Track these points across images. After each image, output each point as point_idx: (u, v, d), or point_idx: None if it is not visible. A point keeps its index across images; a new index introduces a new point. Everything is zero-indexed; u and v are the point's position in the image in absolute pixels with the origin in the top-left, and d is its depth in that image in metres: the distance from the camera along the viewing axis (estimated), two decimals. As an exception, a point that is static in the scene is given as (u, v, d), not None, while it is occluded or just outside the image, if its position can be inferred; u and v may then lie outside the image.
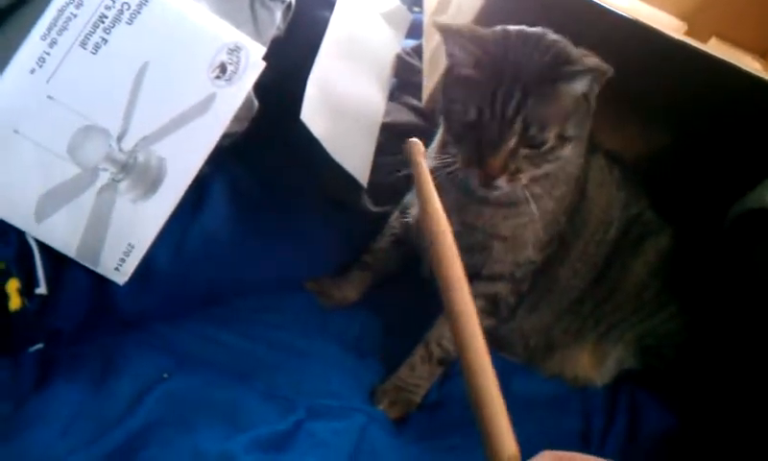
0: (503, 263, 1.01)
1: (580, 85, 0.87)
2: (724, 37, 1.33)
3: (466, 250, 0.93)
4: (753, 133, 1.04)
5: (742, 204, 1.05)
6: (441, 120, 0.97)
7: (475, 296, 0.85)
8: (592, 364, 1.09)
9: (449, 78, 0.93)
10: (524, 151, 0.87)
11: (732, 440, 1.02)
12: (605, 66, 0.86)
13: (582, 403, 1.07)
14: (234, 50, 0.92)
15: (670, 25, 1.31)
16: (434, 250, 0.71)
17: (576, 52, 0.88)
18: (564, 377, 1.10)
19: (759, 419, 1.01)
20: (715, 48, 1.25)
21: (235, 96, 0.93)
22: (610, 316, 1.08)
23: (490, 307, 1.02)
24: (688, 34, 1.31)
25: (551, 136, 0.87)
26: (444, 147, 0.96)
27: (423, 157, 0.82)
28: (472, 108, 0.87)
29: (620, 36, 0.99)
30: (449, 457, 0.93)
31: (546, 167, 0.90)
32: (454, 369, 1.03)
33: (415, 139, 0.83)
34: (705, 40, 1.30)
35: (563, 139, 0.88)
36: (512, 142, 0.86)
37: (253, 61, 0.93)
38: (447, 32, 0.90)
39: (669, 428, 1.06)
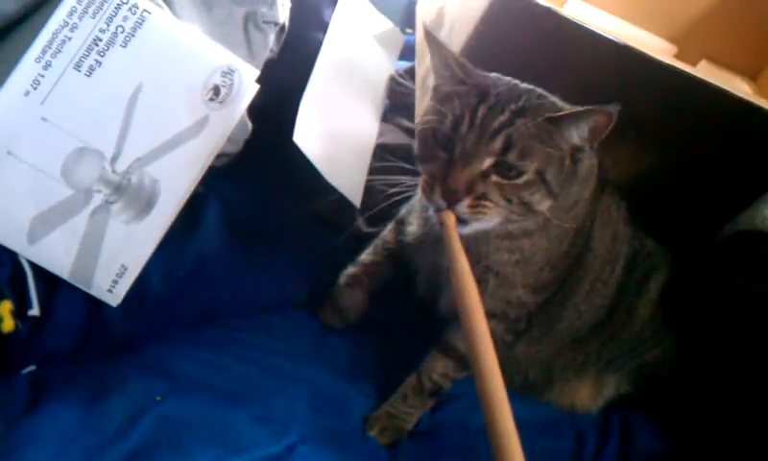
0: (494, 299, 0.96)
1: (573, 135, 0.81)
2: (713, 60, 1.35)
3: None
4: (742, 155, 1.05)
5: (732, 226, 1.05)
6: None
7: None
8: (591, 395, 1.10)
9: (434, 96, 0.88)
10: (496, 178, 0.80)
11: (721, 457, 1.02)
12: (602, 111, 0.79)
13: (574, 426, 1.07)
14: (228, 73, 0.92)
15: (660, 48, 1.32)
16: (460, 304, 0.71)
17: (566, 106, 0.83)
18: (561, 407, 1.10)
19: (747, 439, 1.01)
20: (705, 71, 1.27)
21: (228, 118, 0.94)
22: (613, 352, 1.08)
23: None
24: (678, 57, 1.33)
25: (531, 169, 0.80)
26: None
27: (455, 225, 0.80)
28: (450, 117, 0.81)
29: (610, 59, 1.00)
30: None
31: (515, 207, 0.82)
32: (445, 397, 1.03)
33: (449, 212, 0.80)
34: (694, 63, 1.32)
35: (541, 181, 0.81)
36: (486, 160, 0.79)
37: (247, 84, 0.94)
38: (433, 43, 0.86)
39: (661, 450, 1.06)
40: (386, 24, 1.32)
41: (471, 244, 0.89)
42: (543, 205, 0.83)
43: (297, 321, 1.07)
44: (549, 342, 1.06)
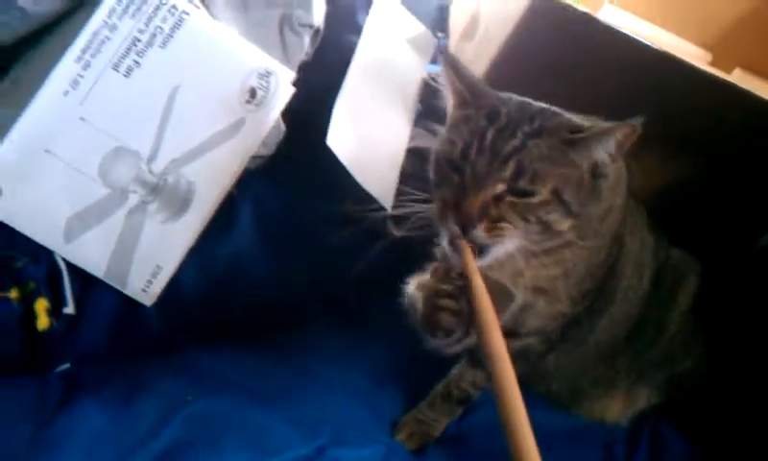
0: (540, 318, 0.94)
1: (597, 151, 0.79)
2: (748, 68, 1.33)
3: (514, 312, 0.93)
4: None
5: (765, 238, 1.04)
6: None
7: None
8: (621, 410, 1.09)
9: (447, 122, 0.86)
10: (510, 198, 0.76)
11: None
12: (628, 125, 0.76)
13: (602, 436, 1.07)
14: (264, 75, 0.92)
15: (694, 55, 1.31)
16: (478, 323, 0.70)
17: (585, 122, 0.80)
18: (590, 419, 1.09)
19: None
20: (739, 78, 1.25)
21: (264, 120, 0.94)
22: (643, 366, 1.07)
23: (517, 356, 0.99)
24: (712, 64, 1.31)
25: (544, 190, 0.77)
26: None
27: (472, 257, 0.77)
28: (459, 141, 0.79)
29: (645, 65, 0.99)
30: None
31: (532, 232, 0.79)
32: (473, 404, 1.03)
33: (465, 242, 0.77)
34: (729, 70, 1.30)
35: (558, 200, 0.78)
36: (498, 186, 0.76)
37: (283, 86, 0.94)
38: (446, 66, 0.84)
39: (688, 457, 1.05)
40: (418, 27, 1.31)
41: (521, 276, 0.88)
42: (563, 224, 0.80)
43: (330, 325, 1.08)
44: (579, 354, 1.04)
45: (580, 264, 0.92)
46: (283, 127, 1.04)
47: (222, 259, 0.98)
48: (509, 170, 0.76)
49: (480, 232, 0.76)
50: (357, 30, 1.15)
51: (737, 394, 1.07)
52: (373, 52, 1.15)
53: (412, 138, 1.20)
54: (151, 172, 0.88)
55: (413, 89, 1.23)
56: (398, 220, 1.13)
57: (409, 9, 1.33)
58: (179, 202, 0.90)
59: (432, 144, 1.21)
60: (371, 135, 1.10)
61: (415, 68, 1.25)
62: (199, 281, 0.95)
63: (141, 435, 0.83)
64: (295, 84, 0.96)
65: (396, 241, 1.12)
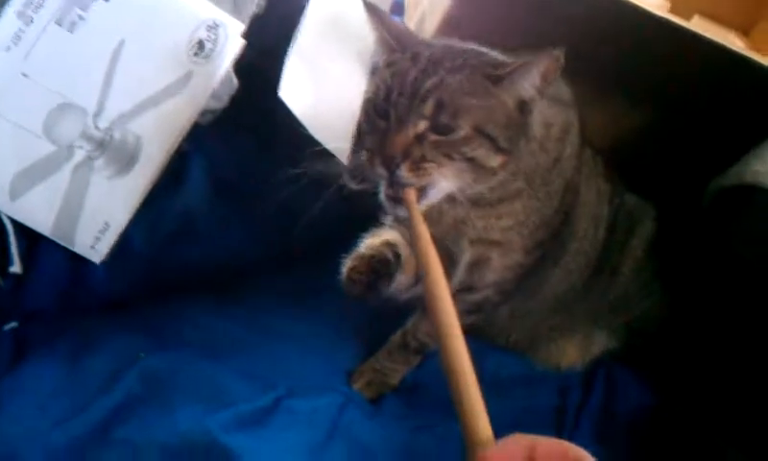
0: (495, 271, 0.96)
1: (522, 86, 0.80)
2: (706, 15, 1.33)
3: (468, 268, 0.94)
4: (734, 110, 1.04)
5: (721, 180, 1.05)
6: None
7: (461, 303, 0.85)
8: (578, 354, 1.11)
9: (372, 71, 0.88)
10: (433, 137, 0.78)
11: (709, 412, 1.03)
12: (549, 56, 0.77)
13: (558, 380, 1.08)
14: (213, 27, 0.91)
15: (653, 3, 1.30)
16: (426, 276, 0.69)
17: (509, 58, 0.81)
18: (546, 366, 1.10)
19: (739, 392, 1.02)
20: (698, 26, 1.24)
21: (213, 74, 0.92)
22: (600, 311, 1.09)
23: (473, 308, 1.00)
24: (671, 11, 1.31)
25: (465, 126, 0.78)
26: None
27: (415, 200, 0.78)
28: (383, 85, 0.81)
29: (603, 14, 0.98)
30: (425, 435, 0.95)
31: (461, 164, 0.80)
32: (431, 353, 1.04)
33: (408, 189, 0.79)
34: (688, 18, 1.29)
35: (481, 135, 0.79)
36: (420, 123, 0.78)
37: (232, 39, 0.92)
38: (372, 15, 0.88)
39: (645, 403, 1.07)
40: (376, -22, 1.29)
41: (466, 226, 0.90)
42: (492, 160, 0.81)
43: (283, 280, 1.08)
44: (536, 303, 1.06)
45: (533, 214, 0.93)
46: (235, 81, 1.02)
47: (173, 216, 0.97)
48: (429, 107, 0.77)
49: (405, 172, 0.78)
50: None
51: (696, 340, 1.08)
52: (328, 3, 1.13)
53: (367, 91, 1.19)
54: (97, 127, 0.87)
55: (369, 42, 1.21)
56: (354, 173, 1.13)
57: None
58: (126, 157, 0.88)
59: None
60: (325, 88, 1.08)
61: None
62: (149, 238, 0.94)
63: (93, 391, 0.83)
64: (246, 36, 0.94)
65: (351, 194, 1.13)
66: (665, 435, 1.02)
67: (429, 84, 0.77)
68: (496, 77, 0.78)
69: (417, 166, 0.78)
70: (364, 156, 0.83)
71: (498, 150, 0.80)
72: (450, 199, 0.84)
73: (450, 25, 1.06)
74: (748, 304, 1.01)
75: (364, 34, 1.23)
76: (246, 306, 1.01)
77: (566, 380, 1.08)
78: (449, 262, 0.92)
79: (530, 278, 1.00)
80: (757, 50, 1.30)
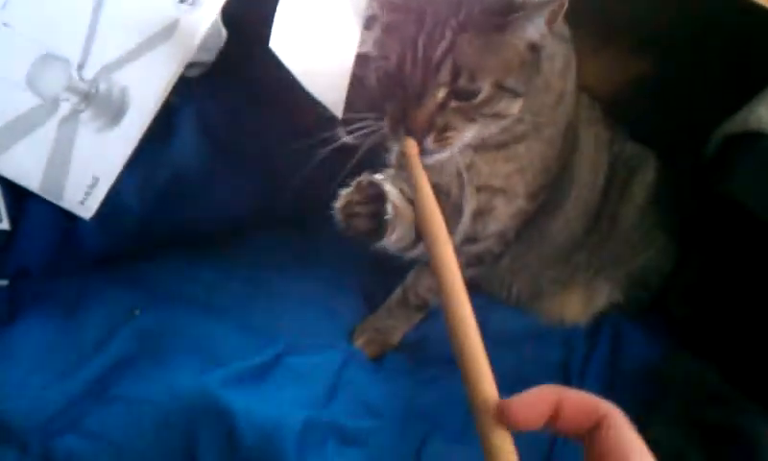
0: (498, 220, 0.93)
1: (529, 31, 0.76)
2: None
3: (472, 217, 0.92)
4: (740, 55, 1.02)
5: (726, 127, 1.03)
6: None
7: (463, 255, 0.86)
8: (581, 307, 1.08)
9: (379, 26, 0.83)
10: (454, 103, 0.75)
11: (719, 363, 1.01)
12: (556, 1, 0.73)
13: (562, 335, 1.06)
14: (194, -27, 0.88)
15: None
16: (425, 231, 0.66)
17: None
18: (550, 319, 1.08)
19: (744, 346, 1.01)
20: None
21: (200, 22, 0.90)
22: (601, 261, 1.06)
23: (475, 260, 0.98)
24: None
25: (485, 86, 0.75)
26: None
27: (417, 153, 0.75)
28: (392, 54, 0.76)
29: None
30: (428, 389, 0.93)
31: (485, 125, 0.79)
32: (433, 310, 1.02)
33: (410, 140, 0.75)
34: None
35: (501, 90, 0.76)
36: (439, 93, 0.74)
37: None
38: None
39: (651, 357, 1.05)
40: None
41: (470, 173, 0.87)
42: (513, 107, 0.79)
43: (282, 235, 1.05)
44: (536, 254, 1.03)
45: (536, 158, 0.90)
46: (224, 31, 0.99)
47: (163, 170, 0.94)
48: (445, 74, 0.74)
49: (430, 144, 0.76)
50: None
51: (700, 293, 1.07)
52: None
53: (362, 43, 1.16)
54: (82, 79, 0.84)
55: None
56: (350, 127, 1.11)
57: None
58: (113, 109, 0.86)
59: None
60: (317, 39, 1.06)
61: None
62: (140, 193, 0.92)
63: (87, 349, 0.81)
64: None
65: (347, 148, 1.10)
66: (673, 388, 1.00)
67: (440, 51, 0.74)
68: (503, 25, 0.75)
69: (441, 137, 0.76)
70: (386, 124, 0.79)
71: (517, 96, 0.78)
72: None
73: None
74: (750, 255, 0.99)
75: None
76: (243, 263, 0.99)
77: (571, 334, 1.06)
78: (455, 212, 0.90)
79: (530, 227, 0.98)
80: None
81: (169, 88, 0.88)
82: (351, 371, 0.91)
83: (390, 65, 0.77)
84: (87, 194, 0.87)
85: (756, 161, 0.99)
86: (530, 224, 0.97)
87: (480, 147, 0.85)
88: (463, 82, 0.74)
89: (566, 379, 1.00)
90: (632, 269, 1.08)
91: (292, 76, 0.97)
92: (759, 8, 0.95)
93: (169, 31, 0.87)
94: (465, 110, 0.76)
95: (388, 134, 0.80)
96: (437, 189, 0.71)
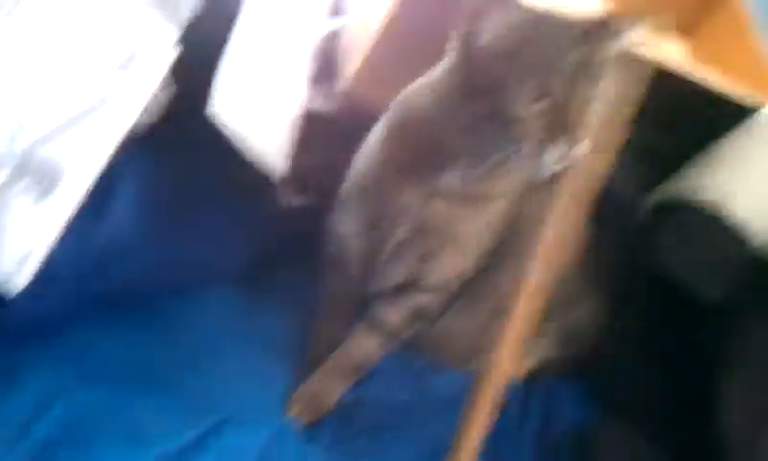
0: (444, 272, 0.96)
1: None
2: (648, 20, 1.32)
3: (415, 259, 0.94)
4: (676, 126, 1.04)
5: (657, 194, 1.06)
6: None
7: (403, 308, 0.88)
8: (516, 363, 1.09)
9: (476, 58, 0.82)
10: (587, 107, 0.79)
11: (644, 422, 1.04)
12: None
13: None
14: (143, 37, 0.86)
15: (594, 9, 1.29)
16: None
17: None
18: None
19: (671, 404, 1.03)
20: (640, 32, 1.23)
21: (143, 87, 0.88)
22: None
23: (413, 318, 0.99)
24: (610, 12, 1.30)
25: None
26: None
27: None
28: (533, 76, 0.77)
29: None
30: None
31: None
32: (368, 373, 1.02)
33: None
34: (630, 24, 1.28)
35: None
36: (583, 93, 0.78)
37: (164, 49, 0.88)
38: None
39: (583, 420, 1.08)
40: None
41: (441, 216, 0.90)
42: None
43: (219, 298, 1.04)
44: (479, 312, 1.04)
45: (499, 219, 0.94)
46: (167, 93, 0.98)
47: (101, 238, 0.91)
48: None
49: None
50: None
51: (629, 352, 1.09)
52: (264, 7, 1.09)
53: (307, 100, 1.16)
54: (14, 150, 0.82)
55: (308, 47, 1.18)
56: (296, 188, 1.11)
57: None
58: (47, 180, 0.83)
59: (329, 105, 1.19)
60: (260, 99, 1.05)
61: (310, 24, 1.20)
62: (74, 263, 0.89)
63: (13, 434, 0.79)
64: (183, 42, 0.90)
65: (292, 210, 1.10)
66: (604, 450, 1.02)
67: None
68: None
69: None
70: (536, 130, 0.79)
71: None
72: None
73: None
74: (676, 320, 1.02)
75: (302, 37, 1.20)
76: (183, 326, 0.98)
77: (507, 395, 1.07)
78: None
79: (476, 283, 0.99)
80: (700, 54, 1.32)
81: (108, 155, 0.86)
82: (282, 444, 0.91)
83: (531, 86, 0.77)
84: (20, 266, 0.84)
85: (680, 228, 1.02)
86: (477, 281, 0.99)
87: (450, 193, 0.87)
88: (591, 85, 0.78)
89: (503, 444, 1.01)
90: (564, 326, 1.09)
91: (233, 137, 0.96)
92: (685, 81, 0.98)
93: (107, 99, 0.85)
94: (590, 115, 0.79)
95: (535, 150, 0.79)
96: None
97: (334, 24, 1.26)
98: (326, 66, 1.20)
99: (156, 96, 0.92)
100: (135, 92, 0.87)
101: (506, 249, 0.98)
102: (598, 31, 0.80)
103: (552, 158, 0.78)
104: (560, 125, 0.77)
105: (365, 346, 1.00)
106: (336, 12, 1.29)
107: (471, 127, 0.83)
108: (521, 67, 0.77)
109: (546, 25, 0.79)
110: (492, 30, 0.80)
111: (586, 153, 0.79)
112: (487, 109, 0.80)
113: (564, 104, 0.77)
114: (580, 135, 0.77)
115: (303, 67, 1.15)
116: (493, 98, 0.79)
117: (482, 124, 0.82)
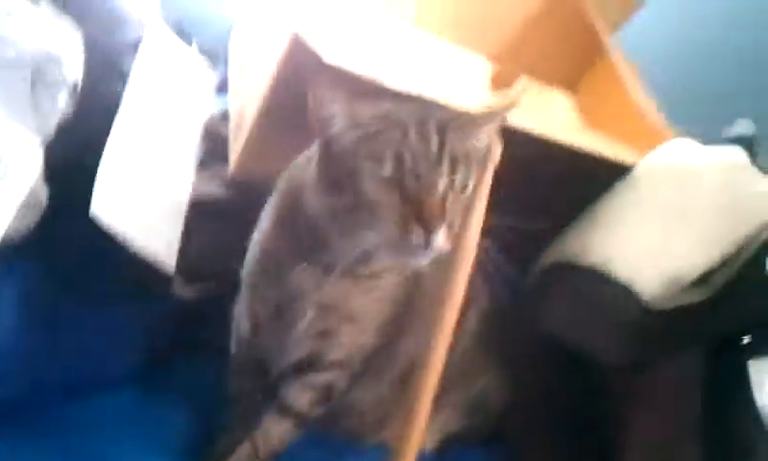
0: (344, 348, 0.95)
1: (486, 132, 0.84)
2: (533, 74, 1.36)
3: (314, 337, 0.94)
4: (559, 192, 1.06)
5: (542, 258, 1.07)
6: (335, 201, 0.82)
7: (309, 388, 0.89)
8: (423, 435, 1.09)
9: (333, 148, 0.82)
10: (451, 195, 0.79)
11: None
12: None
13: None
14: (5, 144, 0.84)
15: (482, 68, 1.32)
16: None
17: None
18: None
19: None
20: (525, 86, 1.26)
21: (9, 195, 0.86)
22: (440, 386, 1.08)
23: (321, 397, 0.98)
24: (498, 74, 1.33)
25: (474, 175, 0.81)
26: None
27: None
28: (388, 158, 0.77)
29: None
30: None
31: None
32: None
33: None
34: (514, 80, 1.32)
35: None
36: (443, 180, 0.78)
37: (29, 156, 0.86)
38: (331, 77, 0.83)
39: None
40: (197, 60, 1.24)
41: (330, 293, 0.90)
42: None
43: (115, 399, 1.01)
44: (385, 383, 1.04)
45: (393, 293, 0.94)
46: (43, 197, 0.96)
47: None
48: (446, 161, 0.78)
49: (442, 236, 0.78)
50: (124, 78, 1.07)
51: (539, 416, 1.10)
52: (144, 97, 1.08)
53: (196, 186, 1.15)
54: None
55: (194, 133, 1.17)
56: (189, 279, 1.09)
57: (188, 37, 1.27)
58: None
59: (218, 191, 1.18)
60: (147, 193, 1.04)
61: (197, 107, 1.20)
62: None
63: None
64: (57, 144, 0.88)
65: (185, 303, 1.08)
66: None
67: (434, 142, 0.78)
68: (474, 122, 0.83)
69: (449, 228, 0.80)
70: (393, 227, 0.78)
71: None
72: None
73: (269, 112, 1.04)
74: (567, 383, 1.03)
75: (187, 123, 1.20)
76: (75, 432, 0.94)
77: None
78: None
79: (379, 358, 0.99)
80: (584, 107, 1.36)
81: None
82: None
83: (385, 172, 0.77)
84: None
85: (562, 291, 1.03)
86: (380, 356, 0.99)
87: (339, 272, 0.86)
88: (461, 169, 0.79)
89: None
90: (470, 395, 1.10)
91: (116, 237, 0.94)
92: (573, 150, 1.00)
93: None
94: (458, 203, 0.80)
95: (393, 239, 0.79)
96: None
97: (221, 104, 1.26)
98: (214, 148, 1.20)
99: (26, 202, 0.89)
100: (4, 199, 0.85)
101: (406, 319, 0.98)
102: (465, 121, 0.82)
103: (417, 247, 0.78)
104: (417, 214, 0.77)
105: (276, 431, 0.98)
106: (224, 89, 1.29)
107: (337, 216, 0.83)
108: (373, 154, 0.78)
109: (402, 112, 0.81)
110: (342, 117, 0.80)
111: (449, 242, 0.80)
112: (348, 200, 0.80)
113: (420, 193, 0.77)
114: (439, 225, 0.78)
115: (190, 152, 1.14)
116: (352, 187, 0.79)
117: (345, 214, 0.82)
